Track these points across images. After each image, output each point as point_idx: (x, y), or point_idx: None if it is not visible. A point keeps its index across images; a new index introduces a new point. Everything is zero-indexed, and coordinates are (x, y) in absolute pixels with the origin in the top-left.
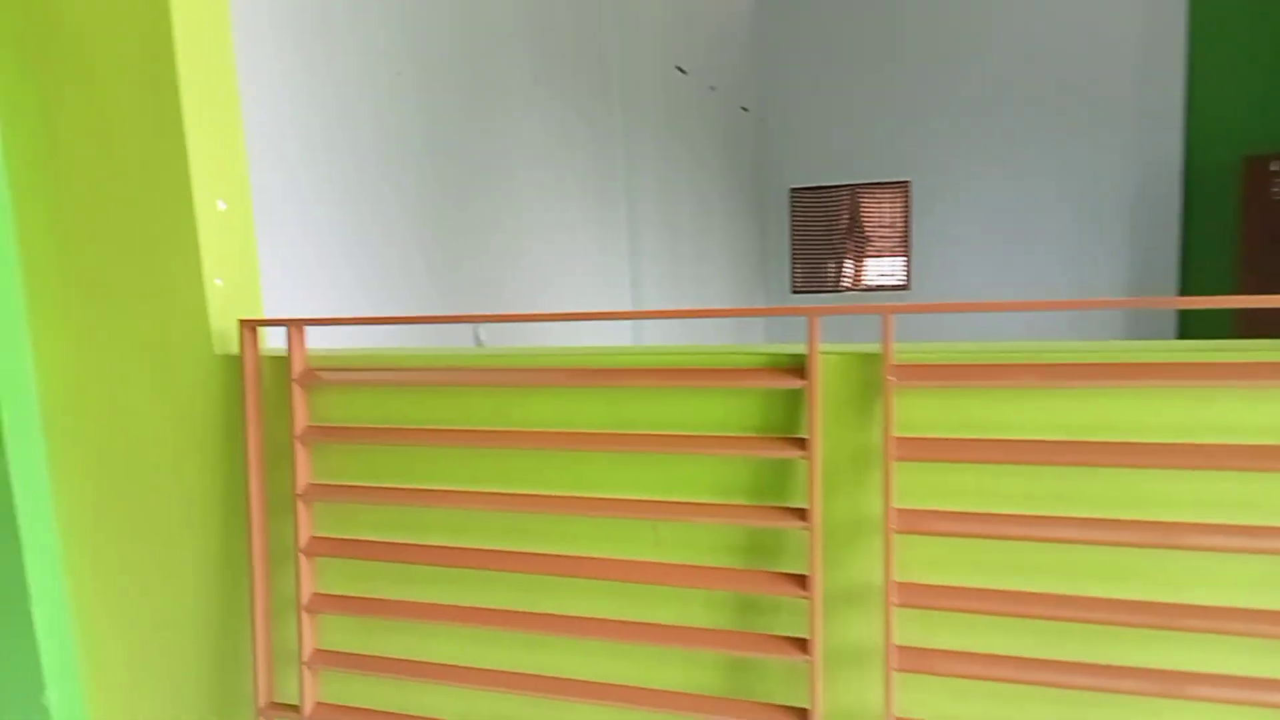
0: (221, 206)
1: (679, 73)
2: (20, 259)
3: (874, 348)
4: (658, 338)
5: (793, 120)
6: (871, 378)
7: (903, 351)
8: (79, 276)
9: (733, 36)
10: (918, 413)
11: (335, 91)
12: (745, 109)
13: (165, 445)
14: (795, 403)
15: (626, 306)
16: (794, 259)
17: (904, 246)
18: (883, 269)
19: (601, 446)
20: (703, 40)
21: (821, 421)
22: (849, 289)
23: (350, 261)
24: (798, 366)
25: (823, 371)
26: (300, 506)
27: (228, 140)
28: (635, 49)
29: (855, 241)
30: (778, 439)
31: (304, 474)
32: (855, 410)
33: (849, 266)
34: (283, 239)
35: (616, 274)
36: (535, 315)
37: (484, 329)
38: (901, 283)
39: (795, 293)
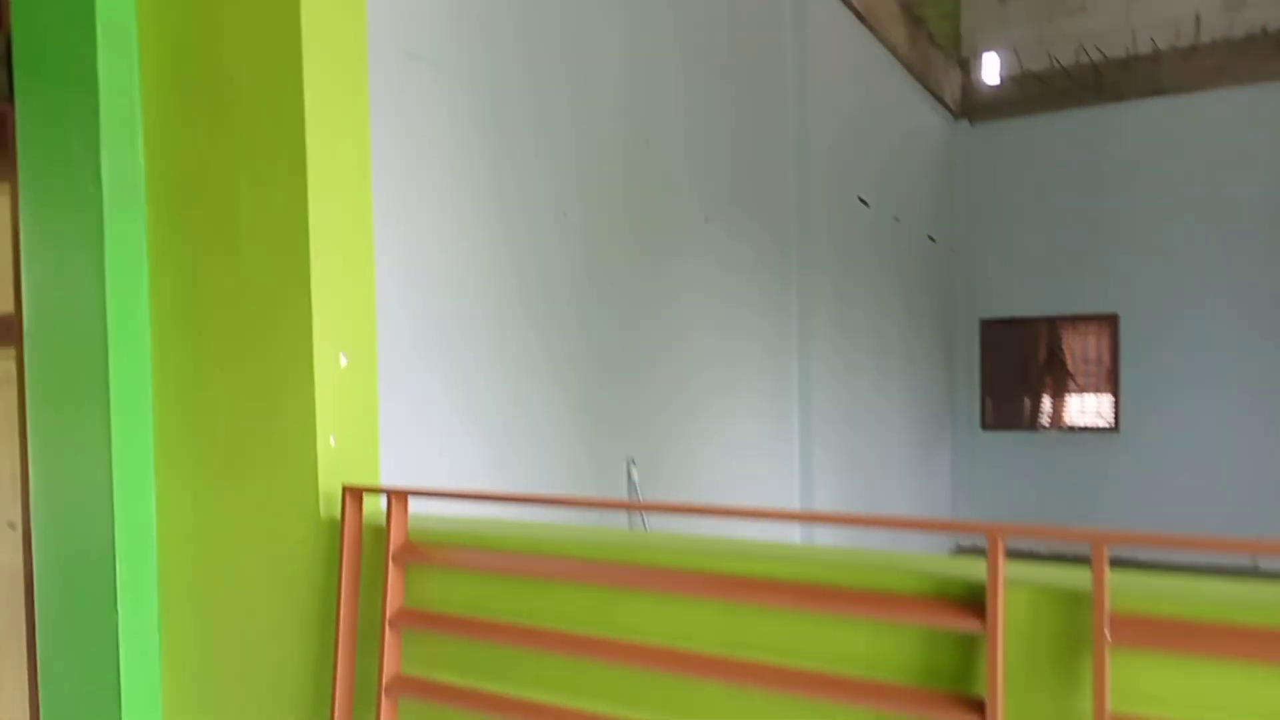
0: (344, 361)
1: (861, 204)
2: (155, 408)
3: (1080, 579)
4: (826, 493)
5: (984, 250)
6: (1078, 627)
7: (1125, 595)
8: (207, 426)
9: (918, 166)
10: (1146, 682)
11: (490, 233)
12: (932, 239)
13: (267, 610)
14: (971, 649)
15: (794, 440)
16: (985, 393)
17: (1112, 384)
18: (1087, 407)
19: (716, 675)
20: (886, 171)
21: (1005, 680)
22: (1048, 428)
23: (488, 410)
24: (975, 602)
25: (1009, 611)
26: (384, 701)
27: (357, 290)
28: (814, 180)
29: (1054, 377)
30: (944, 696)
31: (391, 663)
32: (1054, 668)
33: (1047, 403)
34: (412, 390)
35: (785, 406)
36: (683, 506)
37: (637, 463)
38: (1109, 424)
39: (985, 429)
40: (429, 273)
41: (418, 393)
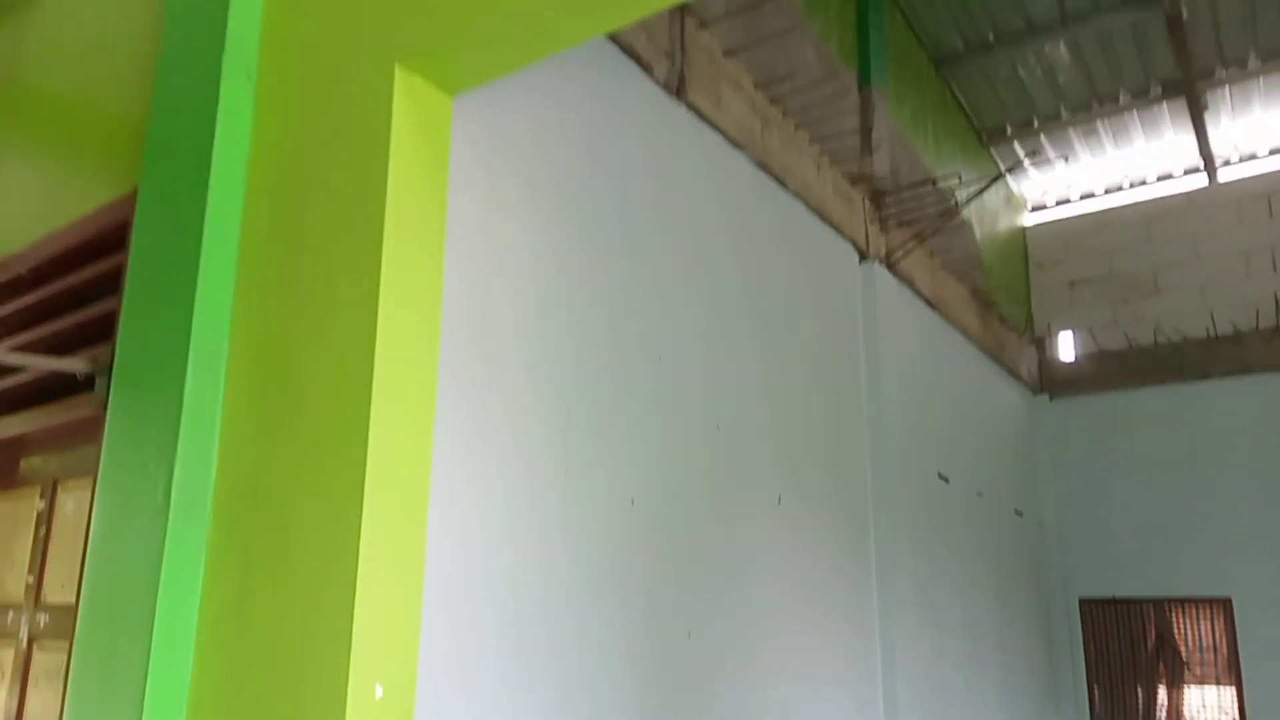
0: (379, 693)
1: (941, 480)
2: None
3: None
4: None
5: (1076, 526)
6: None
7: None
8: None
9: (999, 441)
10: None
11: (551, 532)
12: (1019, 513)
13: None
14: None
15: None
16: (1091, 682)
17: (1233, 675)
18: (1207, 700)
19: None
20: (966, 447)
21: None
22: None
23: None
24: None
25: None
26: None
27: (402, 616)
28: (890, 459)
29: (1167, 665)
30: None
31: None
32: None
33: (1162, 695)
34: (458, 715)
35: (867, 698)
36: None
37: None
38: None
39: None
40: (483, 580)
41: (464, 715)
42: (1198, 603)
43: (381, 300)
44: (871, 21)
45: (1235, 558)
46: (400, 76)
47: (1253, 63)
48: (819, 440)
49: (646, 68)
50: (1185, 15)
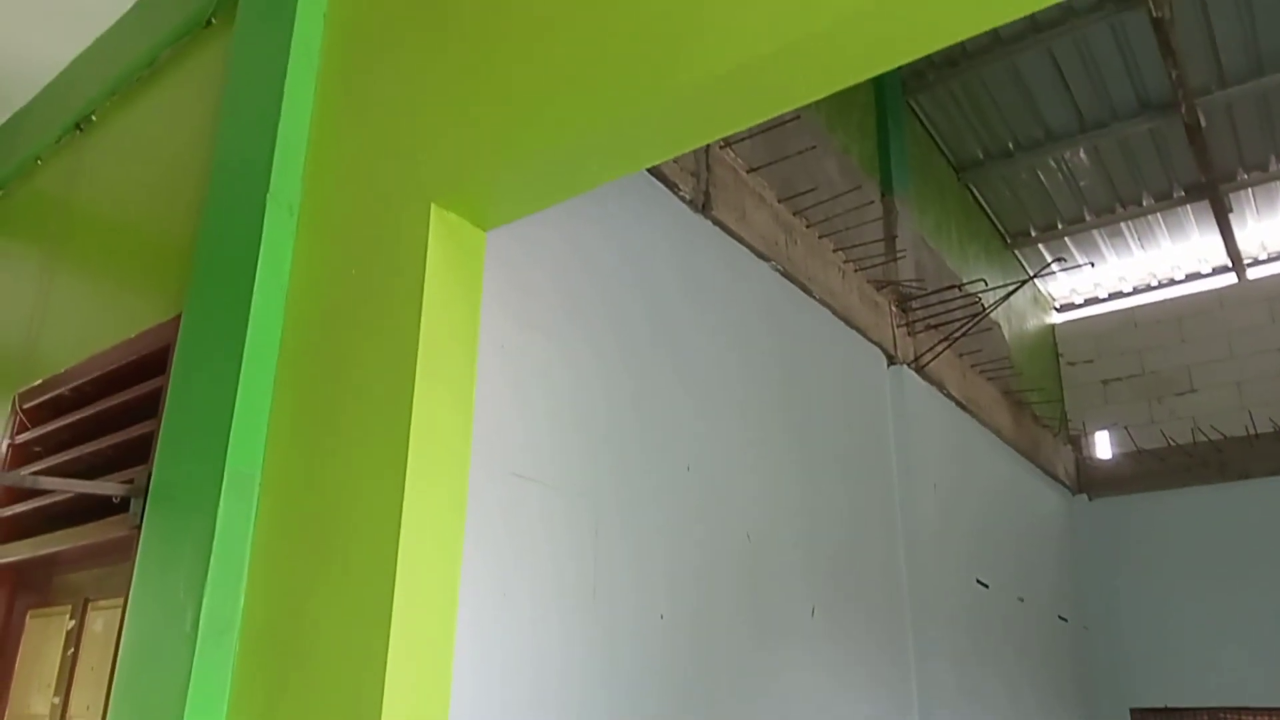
0: None
1: (980, 585)
2: None
3: None
4: None
5: (1123, 631)
6: None
7: None
8: None
9: (1037, 543)
10: None
11: (574, 649)
12: (1063, 618)
13: None
14: None
15: None
16: None
17: None
18: None
19: None
20: (1004, 550)
21: None
22: None
23: None
24: None
25: None
26: None
27: None
28: (926, 565)
29: None
30: None
31: None
32: None
33: None
34: None
35: None
36: None
37: None
38: None
39: None
40: (510, 703)
41: None
42: (1256, 712)
43: (413, 432)
44: (892, 132)
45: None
46: (435, 214)
47: (1274, 166)
48: (852, 548)
49: (673, 187)
50: (1203, 123)
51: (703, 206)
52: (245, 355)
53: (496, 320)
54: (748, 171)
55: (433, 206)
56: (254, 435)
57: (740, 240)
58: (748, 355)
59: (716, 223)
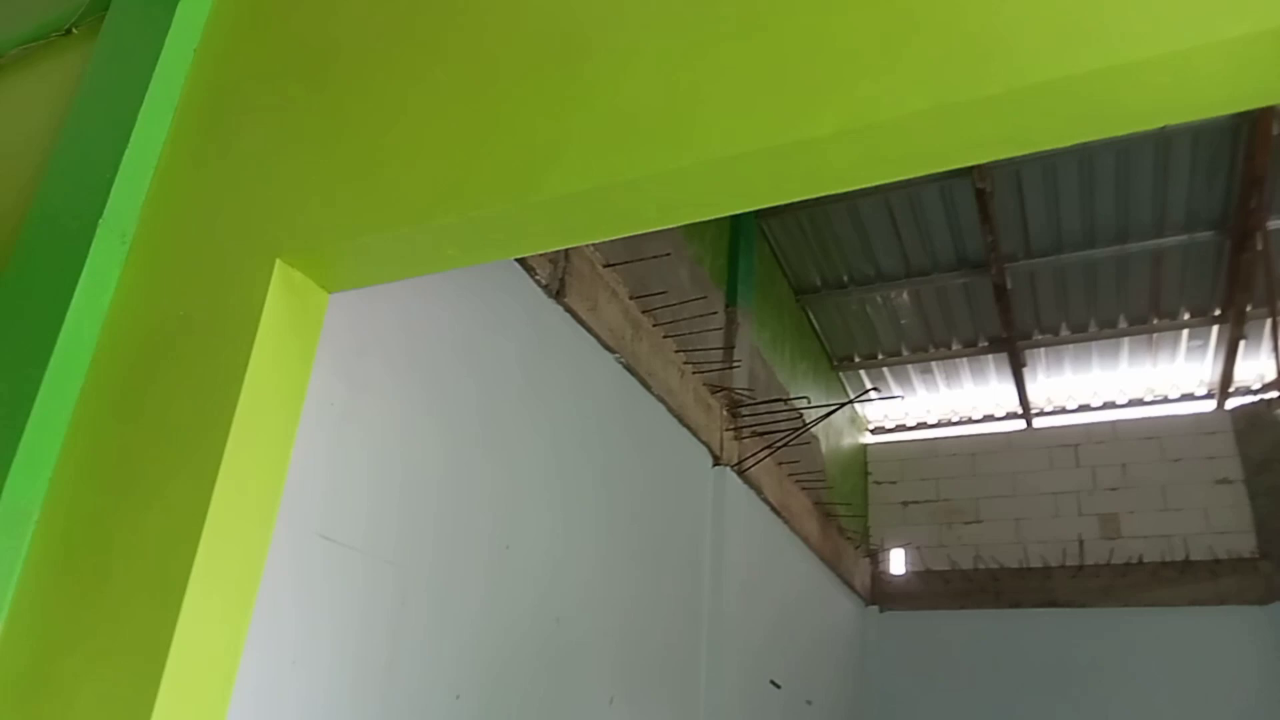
0: None
1: (773, 686)
2: None
3: None
4: None
5: None
6: None
7: None
8: None
9: (831, 650)
10: None
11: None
12: None
13: None
14: None
15: None
16: None
17: None
18: None
19: None
20: (799, 654)
21: None
22: None
23: None
24: None
25: None
26: None
27: None
28: (727, 662)
29: None
30: None
31: None
32: None
33: None
34: None
35: None
36: None
37: None
38: None
39: None
40: None
41: None
42: None
43: (219, 483)
44: (742, 250)
45: None
46: (280, 269)
47: (1063, 332)
48: (657, 640)
49: (530, 270)
50: (1009, 285)
51: (557, 293)
52: (44, 384)
53: (327, 376)
54: (604, 266)
55: (278, 261)
56: (38, 468)
57: (589, 329)
58: (581, 442)
59: (568, 310)
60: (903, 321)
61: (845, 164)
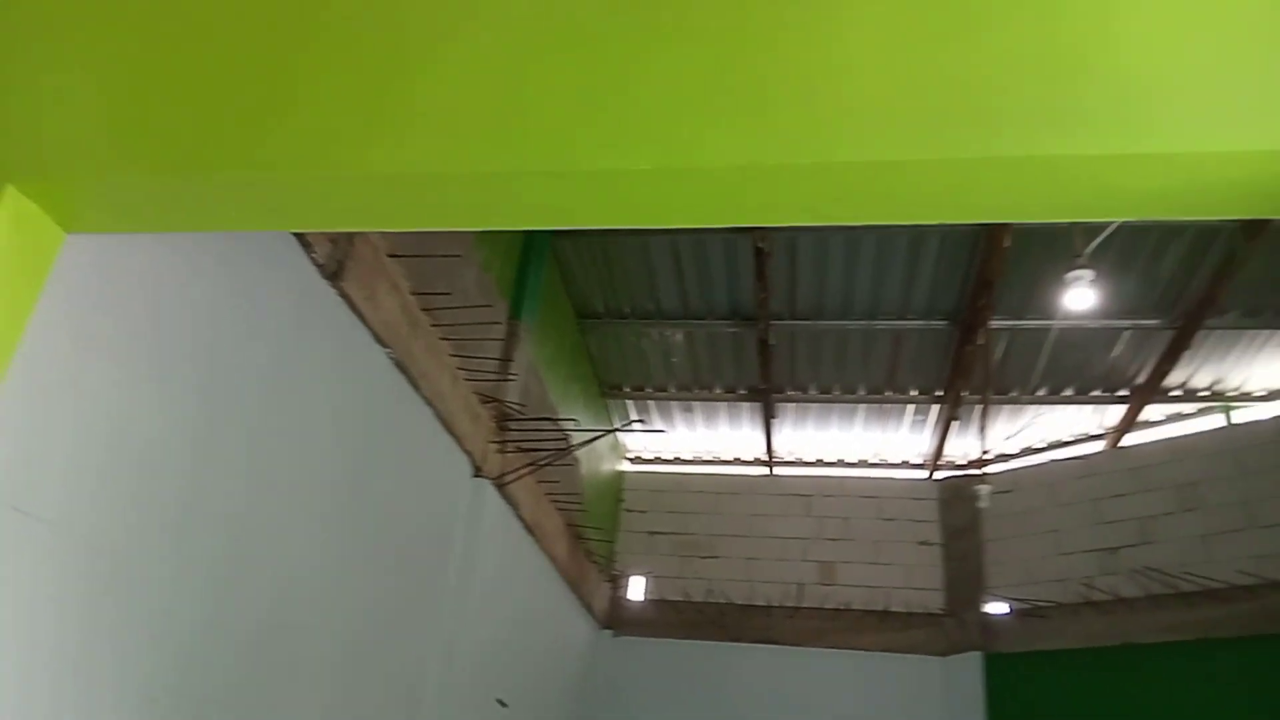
0: None
1: (499, 705)
2: None
3: None
4: None
5: None
6: None
7: None
8: None
9: (562, 672)
10: None
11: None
12: None
13: None
14: None
15: None
16: None
17: None
18: None
19: None
20: (533, 674)
21: None
22: None
23: None
24: None
25: None
26: None
27: None
28: (458, 679)
29: None
30: None
31: None
32: None
33: None
34: None
35: None
36: None
37: None
38: None
39: None
40: None
41: None
42: None
43: None
44: (532, 265)
45: None
46: (10, 197)
47: (811, 391)
48: (389, 650)
49: (307, 246)
50: (773, 341)
51: (333, 275)
52: None
53: (50, 326)
54: (389, 256)
55: (9, 188)
56: None
57: (363, 319)
58: (335, 435)
59: (343, 295)
60: (674, 360)
61: (655, 202)
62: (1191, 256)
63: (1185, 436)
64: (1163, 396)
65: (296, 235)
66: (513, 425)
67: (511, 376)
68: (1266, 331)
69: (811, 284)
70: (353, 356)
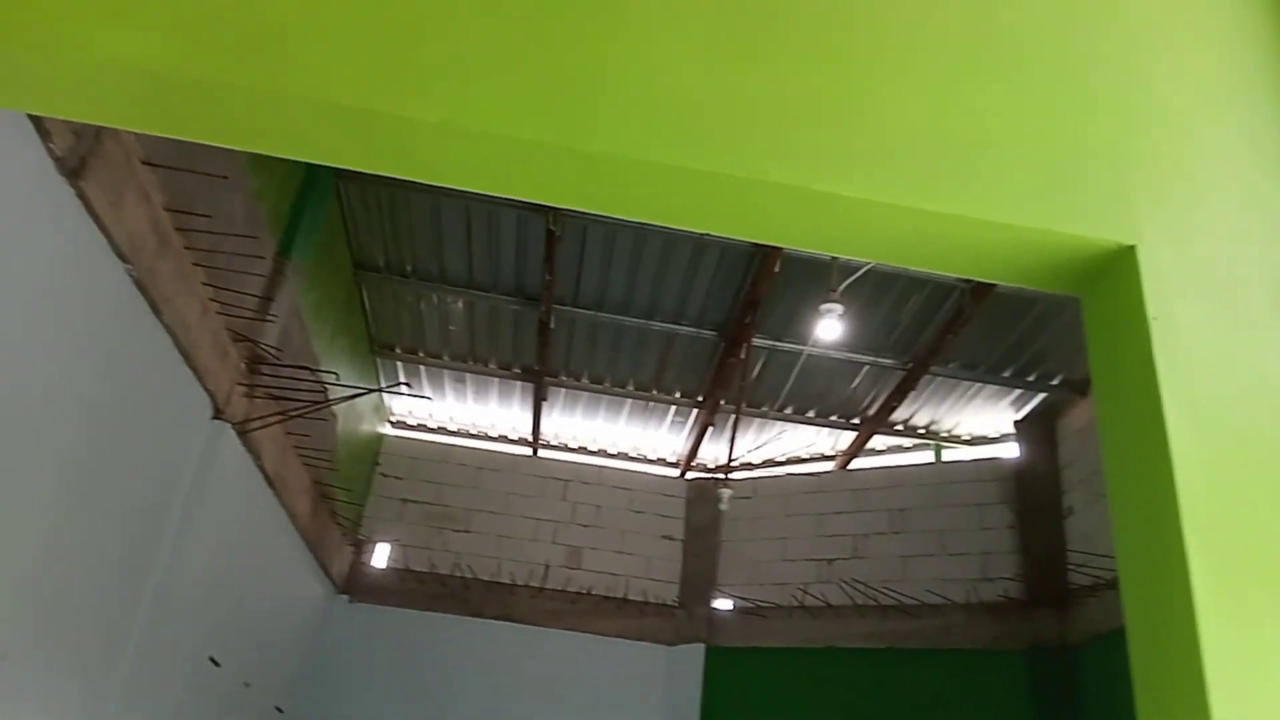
0: None
1: (212, 663)
2: None
3: None
4: None
5: None
6: None
7: None
8: None
9: (289, 635)
10: None
11: None
12: (280, 710)
13: None
14: None
15: None
16: None
17: None
18: None
19: None
20: (255, 635)
21: None
22: None
23: None
24: None
25: None
26: None
27: None
28: (169, 631)
29: None
30: None
31: None
32: None
33: None
34: None
35: None
36: None
37: None
38: None
39: None
40: None
41: None
42: None
43: None
44: (310, 202)
45: None
46: None
47: (584, 379)
48: (83, 595)
49: (45, 133)
50: (552, 325)
51: (73, 172)
52: None
53: None
54: (143, 162)
55: None
56: None
57: (102, 227)
58: (53, 349)
59: (82, 196)
60: (452, 328)
61: (440, 158)
62: (928, 307)
63: (901, 467)
64: (888, 429)
65: (33, 119)
66: (266, 370)
67: (271, 317)
68: (979, 385)
69: (597, 275)
70: (85, 266)
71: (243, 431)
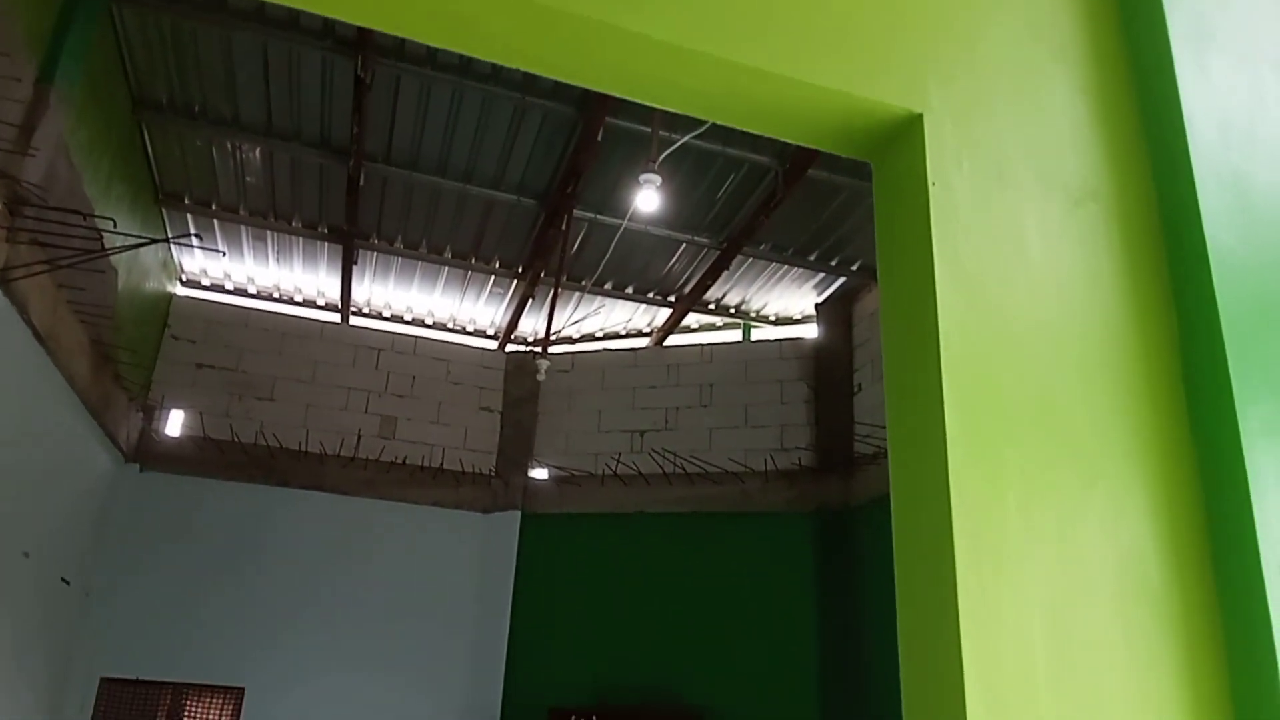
0: None
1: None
2: None
3: None
4: None
5: (123, 604)
6: None
7: None
8: None
9: (70, 503)
10: None
11: None
12: (66, 581)
13: None
14: None
15: None
16: None
17: None
18: None
19: None
20: (31, 503)
21: None
22: None
23: None
24: None
25: None
26: None
27: None
28: None
29: None
30: None
31: None
32: None
33: None
34: None
35: None
36: None
37: None
38: None
39: None
40: None
41: None
42: (213, 690)
43: None
44: (76, 22)
45: (251, 650)
46: None
47: (398, 244)
48: None
49: None
50: (363, 182)
51: None
52: None
53: None
54: None
55: None
56: None
57: None
58: None
59: None
60: (249, 179)
61: None
62: (744, 188)
63: (711, 344)
64: (702, 307)
65: None
66: (29, 212)
67: (32, 151)
68: (787, 267)
69: (411, 131)
70: None
71: (3, 280)
